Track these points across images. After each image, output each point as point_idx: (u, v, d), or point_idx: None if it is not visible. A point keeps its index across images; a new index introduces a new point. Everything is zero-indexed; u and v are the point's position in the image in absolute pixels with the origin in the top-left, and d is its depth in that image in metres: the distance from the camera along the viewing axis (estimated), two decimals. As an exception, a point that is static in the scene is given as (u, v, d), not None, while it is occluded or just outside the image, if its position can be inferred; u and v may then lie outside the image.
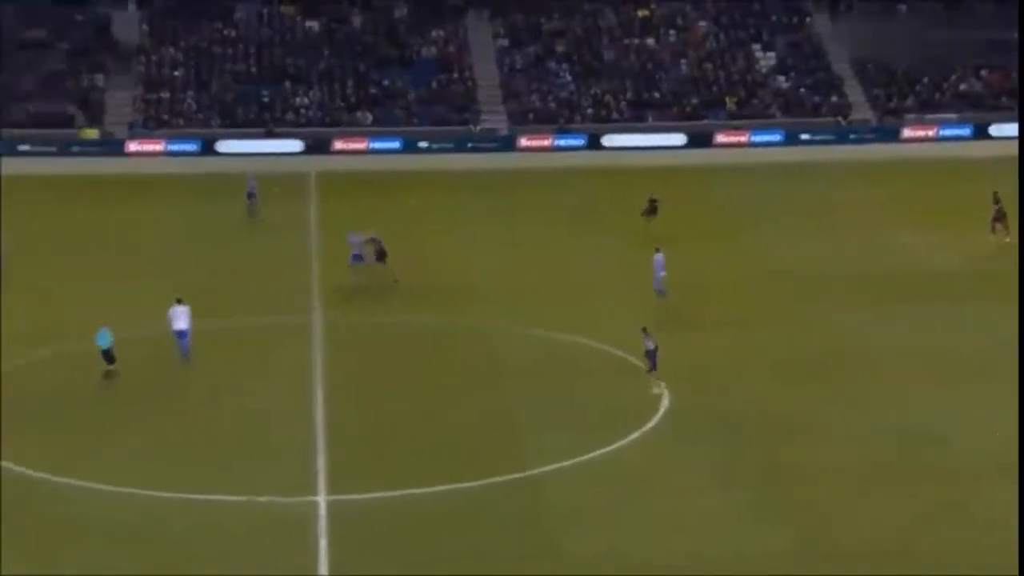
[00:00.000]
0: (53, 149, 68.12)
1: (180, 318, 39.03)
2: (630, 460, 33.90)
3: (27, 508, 30.90)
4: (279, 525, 30.22)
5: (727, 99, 74.08)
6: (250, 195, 57.51)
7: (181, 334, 39.01)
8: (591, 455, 33.75)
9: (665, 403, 36.95)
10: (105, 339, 37.90)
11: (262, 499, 31.19)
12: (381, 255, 47.57)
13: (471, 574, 28.14)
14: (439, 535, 29.79)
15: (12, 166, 65.67)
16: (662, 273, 45.35)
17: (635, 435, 35.06)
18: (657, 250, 45.89)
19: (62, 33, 74.17)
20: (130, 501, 31.33)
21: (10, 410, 35.90)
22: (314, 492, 31.67)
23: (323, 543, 29.24)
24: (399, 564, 28.56)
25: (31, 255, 50.59)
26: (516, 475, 32.67)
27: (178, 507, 31.02)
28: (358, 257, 47.72)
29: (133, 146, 69.22)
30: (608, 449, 34.15)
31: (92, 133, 69.56)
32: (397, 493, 31.61)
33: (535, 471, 32.89)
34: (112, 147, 68.95)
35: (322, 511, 30.75)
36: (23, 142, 68.14)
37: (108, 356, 37.92)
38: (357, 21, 77.64)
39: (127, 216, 57.83)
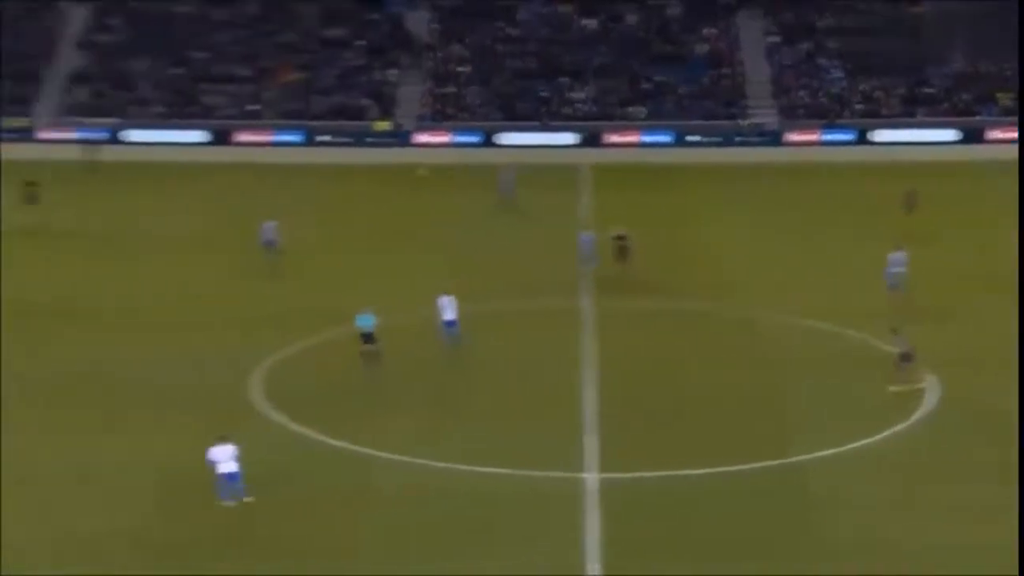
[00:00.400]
0: (349, 140, 70.15)
1: (448, 309, 39.56)
2: (893, 451, 32.82)
3: (326, 472, 31.90)
4: (549, 499, 30.33)
5: (999, 95, 70.99)
6: (504, 190, 57.79)
7: (450, 324, 39.58)
8: (854, 445, 32.83)
9: (929, 396, 35.66)
10: (367, 321, 38.51)
11: (533, 473, 31.41)
12: (623, 252, 47.02)
13: (732, 558, 27.69)
14: (702, 517, 29.40)
15: (312, 156, 68.09)
16: (894, 269, 43.74)
17: (898, 427, 33.95)
18: (898, 248, 44.29)
19: (360, 31, 76.35)
20: (412, 469, 31.97)
21: (305, 387, 37.07)
22: (583, 469, 31.70)
23: (590, 519, 29.24)
24: (663, 542, 28.31)
25: (322, 239, 52.10)
26: (780, 461, 32.03)
27: (455, 477, 31.49)
28: (587, 254, 47.53)
29: (421, 137, 70.73)
30: (871, 440, 33.16)
31: (384, 125, 71.36)
32: (663, 474, 31.37)
33: (798, 458, 32.18)
34: (401, 138, 70.62)
35: (591, 487, 30.76)
36: (323, 133, 70.42)
37: (368, 337, 38.32)
38: (632, 19, 77.47)
39: (410, 204, 58.98)
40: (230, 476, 29.34)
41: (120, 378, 37.31)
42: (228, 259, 49.00)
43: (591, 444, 33.12)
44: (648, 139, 70.16)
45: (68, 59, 73.94)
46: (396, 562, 27.55)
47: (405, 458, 32.44)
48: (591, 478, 31.24)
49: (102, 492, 30.32)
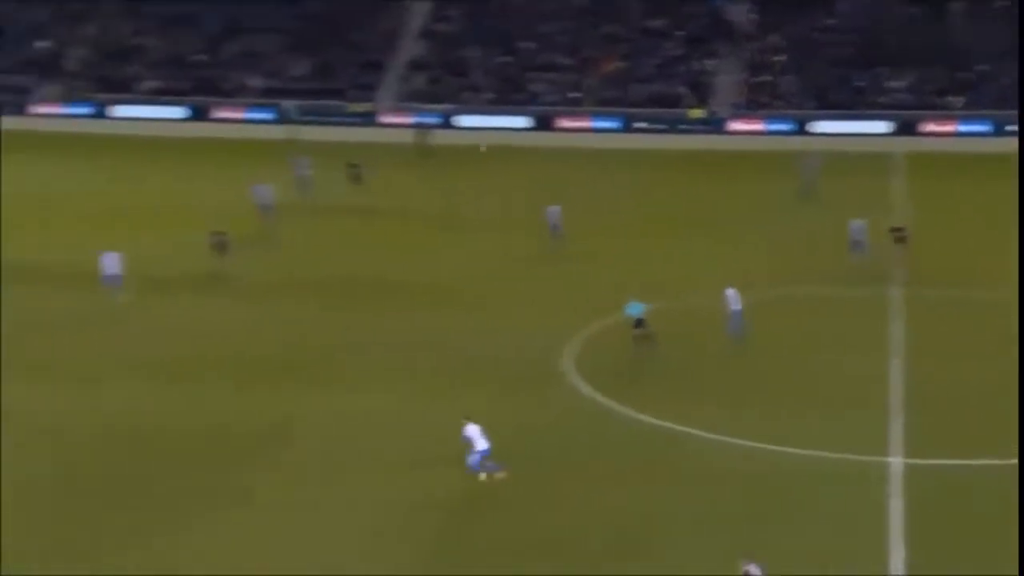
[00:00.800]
0: (664, 127, 69.22)
1: (734, 300, 38.21)
2: None
3: (630, 444, 31.30)
4: (852, 482, 28.77)
5: None
6: (806, 175, 55.59)
7: (736, 314, 38.18)
8: None
9: None
10: (636, 310, 37.58)
11: (837, 456, 29.81)
12: (900, 243, 44.55)
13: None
14: (1009, 510, 27.09)
15: (628, 141, 67.47)
16: None
17: None
18: None
19: (681, 22, 75.22)
20: (715, 447, 31.01)
21: (609, 363, 36.45)
22: (887, 453, 29.83)
23: (894, 504, 27.43)
24: (966, 535, 26.36)
25: (628, 222, 51.41)
26: (1097, 457, 29.24)
27: (758, 456, 30.34)
28: (857, 244, 44.90)
29: (734, 125, 69.14)
30: None
31: (699, 113, 70.08)
32: (973, 463, 29.20)
33: (1118, 455, 29.30)
34: (715, 126, 69.19)
35: (895, 472, 28.89)
36: (639, 120, 69.74)
37: (640, 323, 37.37)
38: (955, 8, 73.36)
39: (717, 189, 57.52)
40: (482, 453, 29.05)
41: (442, 347, 37.63)
42: (540, 239, 48.77)
43: (896, 429, 31.14)
44: (965, 128, 66.29)
45: (409, 49, 75.79)
46: (696, 535, 26.63)
47: (708, 435, 31.43)
48: (896, 463, 29.33)
49: (423, 456, 30.45)
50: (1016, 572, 24.43)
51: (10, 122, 68.83)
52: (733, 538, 26.28)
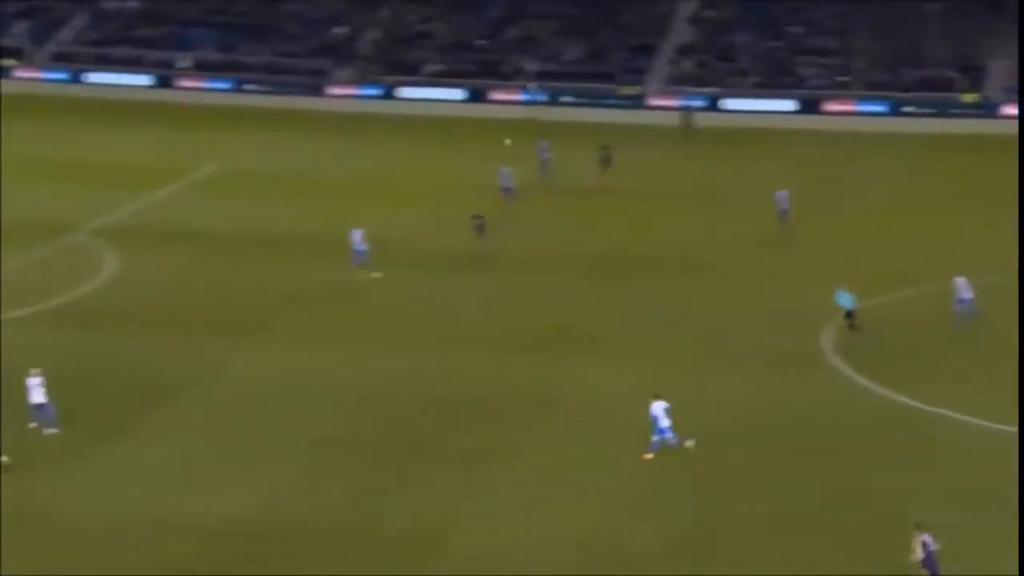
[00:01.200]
0: (934, 111, 66.83)
1: (963, 288, 37.73)
2: None
3: (884, 424, 31.16)
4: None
5: None
6: None
7: (964, 302, 37.65)
8: None
9: None
10: (847, 300, 36.86)
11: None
12: None
13: None
14: None
15: (896, 125, 65.50)
16: None
17: None
18: None
19: (954, 5, 72.23)
20: (972, 429, 30.77)
21: (865, 344, 35.78)
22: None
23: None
24: None
25: (884, 205, 50.22)
26: None
27: (1006, 438, 29.60)
28: None
29: (1008, 109, 66.08)
30: None
31: (972, 97, 67.27)
32: None
33: None
34: (988, 110, 66.32)
35: None
36: (908, 104, 67.53)
37: (850, 315, 36.73)
38: None
39: (983, 174, 55.40)
40: (662, 431, 29.15)
41: (696, 323, 38.19)
42: (789, 220, 47.94)
43: None
44: None
45: (679, 34, 75.62)
46: (952, 511, 26.36)
47: (962, 416, 31.28)
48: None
49: (679, 428, 30.43)
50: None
51: (308, 103, 72.47)
52: (981, 518, 25.98)
